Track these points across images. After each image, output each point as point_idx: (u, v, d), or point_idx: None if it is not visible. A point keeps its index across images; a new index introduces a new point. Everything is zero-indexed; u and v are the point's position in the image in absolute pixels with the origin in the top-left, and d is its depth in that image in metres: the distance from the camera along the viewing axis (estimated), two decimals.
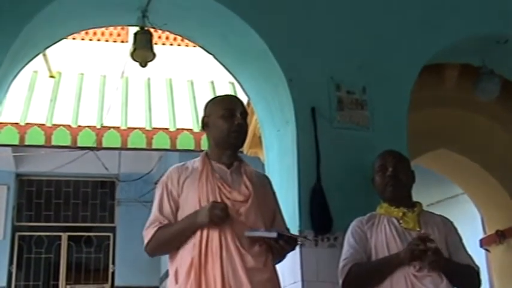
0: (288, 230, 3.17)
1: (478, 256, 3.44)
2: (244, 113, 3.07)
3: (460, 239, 3.35)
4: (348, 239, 3.33)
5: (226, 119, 3.01)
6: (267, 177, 3.26)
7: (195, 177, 2.97)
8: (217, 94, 8.63)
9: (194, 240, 2.84)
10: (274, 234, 2.80)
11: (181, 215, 2.94)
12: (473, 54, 5.01)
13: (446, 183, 7.03)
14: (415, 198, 3.43)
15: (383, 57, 4.38)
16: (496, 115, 5.61)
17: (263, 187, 3.09)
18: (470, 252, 3.33)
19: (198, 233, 2.84)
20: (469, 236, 3.55)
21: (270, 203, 3.10)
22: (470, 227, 6.08)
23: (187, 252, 2.84)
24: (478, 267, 3.30)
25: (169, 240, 2.90)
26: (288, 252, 3.03)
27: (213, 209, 2.78)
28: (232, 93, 8.55)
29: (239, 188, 2.95)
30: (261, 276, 2.81)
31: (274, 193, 3.20)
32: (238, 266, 2.77)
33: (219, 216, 2.77)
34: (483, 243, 6.47)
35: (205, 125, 3.10)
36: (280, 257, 3.05)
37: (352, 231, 3.34)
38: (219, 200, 2.87)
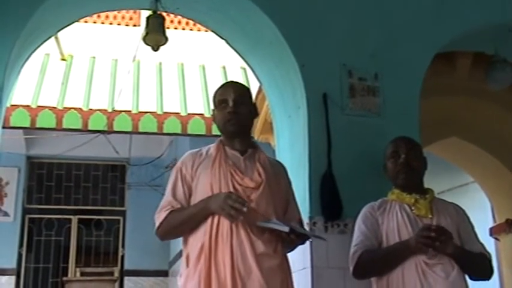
0: (301, 222, 3.17)
1: (488, 245, 3.43)
2: (241, 99, 3.03)
3: (472, 227, 3.34)
4: (359, 225, 3.33)
5: (220, 110, 3.03)
6: (282, 165, 3.24)
7: (209, 163, 2.98)
8: (229, 79, 8.65)
9: (205, 226, 2.85)
10: (286, 228, 2.79)
11: (193, 200, 2.95)
12: (486, 43, 4.98)
13: (457, 172, 7.03)
14: (425, 186, 3.42)
15: (395, 44, 4.36)
16: (508, 104, 5.60)
17: (277, 175, 3.08)
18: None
19: (209, 219, 2.85)
20: (478, 224, 3.53)
21: (283, 191, 3.09)
22: (480, 216, 6.06)
23: (198, 238, 2.86)
24: (490, 255, 3.30)
25: (181, 224, 2.91)
26: (298, 245, 3.04)
27: (227, 199, 2.77)
28: (244, 79, 8.58)
29: (251, 175, 2.95)
30: (270, 262, 2.82)
31: (289, 182, 3.19)
32: (248, 251, 2.78)
33: (231, 206, 2.74)
34: (493, 232, 6.47)
35: (214, 117, 3.13)
36: (290, 248, 3.05)
37: (364, 217, 3.34)
38: (230, 186, 2.87)
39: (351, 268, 3.26)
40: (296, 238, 2.87)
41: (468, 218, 3.38)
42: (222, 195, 2.81)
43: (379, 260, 3.21)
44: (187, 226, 2.91)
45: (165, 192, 3.05)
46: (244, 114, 3.06)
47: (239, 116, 3.02)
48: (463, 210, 3.40)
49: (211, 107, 3.17)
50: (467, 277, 3.20)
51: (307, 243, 3.24)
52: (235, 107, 3.01)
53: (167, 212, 2.93)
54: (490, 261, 3.28)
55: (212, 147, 3.07)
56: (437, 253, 3.07)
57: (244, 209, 2.74)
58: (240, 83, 3.24)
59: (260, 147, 3.12)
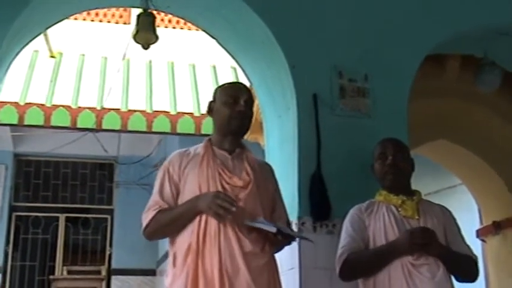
0: (288, 222, 3.19)
1: (474, 246, 3.45)
2: (250, 101, 3.08)
3: (459, 229, 3.36)
4: (347, 227, 3.34)
5: (229, 106, 3.02)
6: (269, 166, 3.26)
7: (196, 163, 2.98)
8: (219, 78, 8.64)
9: (193, 226, 2.85)
10: (273, 229, 2.80)
11: (181, 200, 2.95)
12: (475, 46, 5.01)
13: (445, 174, 7.05)
14: (413, 188, 3.44)
15: (386, 46, 4.38)
16: (497, 107, 5.63)
17: (264, 175, 3.10)
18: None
19: (197, 219, 2.85)
20: (465, 226, 3.55)
21: (270, 191, 3.11)
22: (467, 218, 6.09)
23: (186, 237, 2.86)
24: (476, 257, 3.32)
25: (169, 224, 2.91)
26: (285, 246, 3.04)
27: (215, 198, 2.77)
28: (234, 78, 8.57)
29: (240, 174, 2.96)
30: (258, 261, 2.83)
31: (276, 182, 3.21)
32: (235, 250, 2.78)
33: (219, 205, 2.74)
34: (479, 233, 6.50)
35: (210, 110, 3.13)
36: (277, 249, 3.05)
37: (351, 219, 3.35)
38: (218, 185, 2.88)
39: (337, 270, 3.27)
40: (283, 239, 2.88)
41: (455, 219, 3.40)
42: (210, 195, 2.81)
43: (365, 261, 3.22)
44: (175, 226, 2.91)
45: (152, 192, 3.04)
46: (250, 117, 3.11)
47: (247, 116, 3.06)
48: (450, 212, 3.42)
49: (204, 103, 3.16)
50: (453, 278, 3.22)
51: (295, 243, 3.25)
52: (246, 107, 3.04)
53: (155, 211, 2.93)
54: (475, 263, 3.30)
55: (200, 146, 3.08)
56: (423, 254, 3.09)
57: (233, 209, 2.75)
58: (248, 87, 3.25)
59: (248, 147, 3.13)
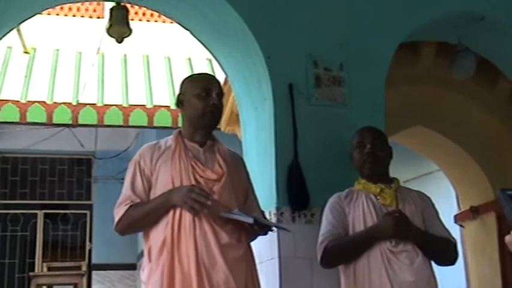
0: (262, 212, 3.18)
1: (453, 232, 3.47)
2: (220, 93, 3.04)
3: (437, 213, 3.39)
4: (326, 214, 3.35)
5: (202, 99, 2.97)
6: (240, 157, 3.25)
7: (168, 156, 2.94)
8: (195, 71, 8.61)
9: (167, 219, 2.82)
10: (250, 220, 2.79)
11: (153, 194, 2.91)
12: (449, 32, 5.02)
13: (422, 160, 7.09)
14: (391, 175, 3.46)
15: (360, 35, 4.38)
16: (472, 92, 5.65)
17: (236, 166, 3.08)
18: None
19: (171, 212, 2.82)
20: (444, 212, 3.58)
21: (243, 182, 3.09)
22: (445, 203, 6.14)
23: (160, 231, 2.83)
24: (455, 240, 3.35)
25: (141, 219, 2.87)
26: (260, 236, 3.04)
27: (190, 192, 2.75)
28: (210, 70, 8.56)
29: (212, 167, 2.94)
30: (235, 253, 2.82)
31: (247, 173, 3.19)
32: (212, 242, 2.76)
33: (195, 199, 2.72)
34: (457, 219, 6.55)
35: (180, 102, 3.07)
36: (251, 238, 3.05)
37: (331, 206, 3.37)
38: (192, 179, 2.85)
39: (319, 257, 3.28)
40: (259, 229, 2.88)
41: (433, 204, 3.42)
42: (184, 189, 2.79)
43: (346, 247, 3.24)
44: (148, 220, 2.87)
45: (123, 187, 2.99)
46: (221, 108, 3.07)
47: (219, 108, 3.03)
48: (428, 198, 3.45)
49: (175, 98, 3.13)
50: (433, 264, 3.25)
51: (274, 234, 3.25)
52: (218, 100, 3.00)
53: (126, 206, 2.88)
54: (455, 245, 3.33)
55: (170, 139, 3.03)
56: (401, 240, 3.11)
57: (209, 202, 2.73)
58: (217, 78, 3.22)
59: (218, 139, 3.10)
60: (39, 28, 8.73)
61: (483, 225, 6.14)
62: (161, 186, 2.89)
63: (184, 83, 3.12)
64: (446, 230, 3.35)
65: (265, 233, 2.99)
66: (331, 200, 3.41)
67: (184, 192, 2.76)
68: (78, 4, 9.57)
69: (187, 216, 2.79)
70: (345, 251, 3.24)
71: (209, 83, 3.04)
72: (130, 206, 2.88)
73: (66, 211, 11.90)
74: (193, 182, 2.84)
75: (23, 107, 8.00)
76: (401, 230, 3.10)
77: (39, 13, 4.52)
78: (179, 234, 2.78)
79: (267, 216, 3.62)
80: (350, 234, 3.26)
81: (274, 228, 3.08)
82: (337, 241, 3.24)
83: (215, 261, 2.74)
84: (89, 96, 8.31)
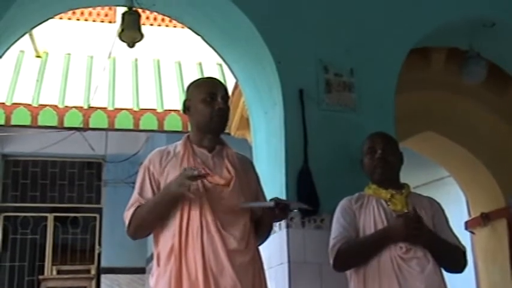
0: None
1: (463, 238, 3.47)
2: (226, 97, 3.03)
3: (447, 220, 3.38)
4: (338, 217, 3.35)
5: (208, 103, 2.97)
6: (249, 160, 3.24)
7: (177, 162, 2.94)
8: (205, 75, 8.63)
9: (174, 226, 2.82)
10: (271, 204, 2.82)
11: None
12: (460, 38, 5.02)
13: (433, 166, 7.07)
14: (401, 181, 3.45)
15: (371, 40, 4.39)
16: (483, 98, 5.64)
17: (246, 170, 3.07)
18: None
19: (178, 217, 2.82)
20: (454, 218, 3.57)
21: (252, 186, 3.09)
22: (456, 210, 6.11)
23: (169, 237, 2.83)
24: (465, 248, 3.34)
25: (147, 215, 2.87)
26: (277, 222, 3.02)
27: (182, 175, 2.75)
28: (220, 75, 8.57)
29: (221, 172, 2.93)
30: (242, 258, 2.81)
31: (257, 176, 3.19)
32: (219, 248, 2.76)
33: (189, 177, 2.72)
34: (468, 225, 6.52)
35: (186, 108, 3.07)
36: (263, 238, 3.06)
37: (342, 210, 3.36)
38: (200, 185, 2.84)
39: (331, 260, 3.27)
40: (280, 212, 2.88)
41: (443, 210, 3.41)
42: (178, 176, 2.79)
43: (358, 249, 3.23)
44: (154, 216, 2.87)
45: (133, 191, 3.00)
46: (228, 112, 3.06)
47: (225, 112, 3.02)
48: (438, 204, 3.44)
49: (182, 104, 3.12)
50: (443, 271, 3.24)
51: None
52: (224, 104, 3.00)
53: (134, 208, 2.90)
54: (464, 253, 3.32)
55: (179, 144, 3.03)
56: (412, 246, 3.11)
57: (202, 171, 2.73)
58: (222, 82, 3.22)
59: (227, 143, 3.09)
60: (51, 32, 8.76)
61: (494, 232, 6.11)
62: None
63: (190, 88, 3.12)
64: (456, 237, 3.34)
65: (285, 216, 3.00)
66: (342, 203, 3.41)
67: (178, 177, 2.77)
68: (90, 9, 9.60)
69: (195, 221, 2.79)
70: (358, 252, 3.23)
71: (214, 87, 3.03)
72: (137, 207, 2.89)
73: (76, 214, 11.92)
74: (202, 188, 2.84)
75: (35, 110, 8.04)
76: (414, 230, 3.09)
77: (51, 17, 4.54)
78: (187, 240, 2.78)
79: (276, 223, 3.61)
80: (361, 236, 3.25)
81: (294, 209, 3.05)
82: (350, 243, 3.23)
83: (222, 266, 2.74)
84: (99, 100, 8.34)
